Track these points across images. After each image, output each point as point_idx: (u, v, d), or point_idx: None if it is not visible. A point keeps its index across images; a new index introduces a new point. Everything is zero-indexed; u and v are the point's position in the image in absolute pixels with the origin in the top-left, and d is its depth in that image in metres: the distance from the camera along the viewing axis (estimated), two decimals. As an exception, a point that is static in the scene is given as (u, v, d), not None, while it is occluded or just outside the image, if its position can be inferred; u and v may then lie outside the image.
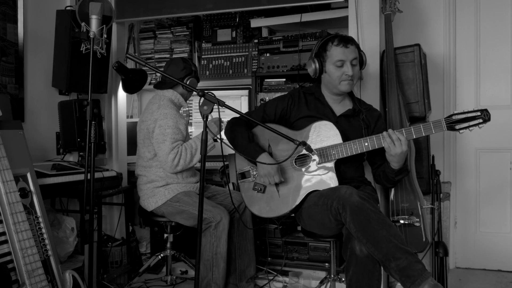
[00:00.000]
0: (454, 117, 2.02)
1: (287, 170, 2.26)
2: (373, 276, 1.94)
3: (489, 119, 1.99)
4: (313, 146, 2.19)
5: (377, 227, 1.87)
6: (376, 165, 2.31)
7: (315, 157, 2.20)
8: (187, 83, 2.68)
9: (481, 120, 1.99)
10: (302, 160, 2.25)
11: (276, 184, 2.25)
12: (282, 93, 2.83)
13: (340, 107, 2.34)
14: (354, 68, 2.24)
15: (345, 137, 2.20)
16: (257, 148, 2.26)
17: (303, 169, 2.23)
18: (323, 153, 2.18)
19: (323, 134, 2.21)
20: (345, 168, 2.27)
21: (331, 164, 2.18)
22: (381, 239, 1.85)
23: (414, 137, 2.05)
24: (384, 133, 2.06)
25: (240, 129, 2.33)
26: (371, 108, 2.41)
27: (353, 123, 2.31)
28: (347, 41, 2.23)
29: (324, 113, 2.31)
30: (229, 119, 2.42)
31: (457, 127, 2.01)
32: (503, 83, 3.18)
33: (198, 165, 2.69)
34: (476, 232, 3.25)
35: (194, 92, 2.12)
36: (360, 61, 2.30)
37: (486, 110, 1.99)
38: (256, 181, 2.29)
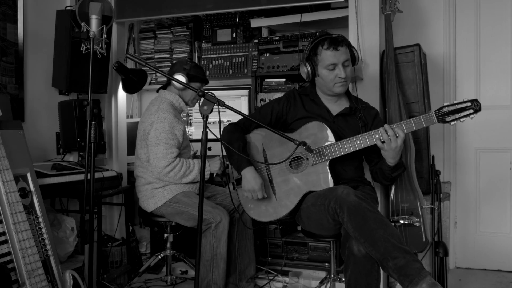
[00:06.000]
0: (444, 109, 2.00)
1: (283, 173, 2.26)
2: (371, 276, 1.94)
3: (479, 109, 1.97)
4: None
5: (374, 226, 1.87)
6: (373, 163, 2.31)
7: (309, 158, 2.20)
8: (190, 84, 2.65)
9: (472, 111, 1.97)
10: (297, 162, 2.25)
11: (273, 188, 2.26)
12: (282, 93, 2.84)
13: (336, 107, 2.33)
14: (347, 69, 2.22)
15: (343, 136, 2.19)
16: (244, 160, 2.24)
17: (299, 171, 2.23)
18: (317, 154, 2.18)
19: (316, 135, 2.21)
20: (344, 168, 2.27)
21: (325, 164, 2.18)
22: (378, 239, 1.85)
23: (406, 131, 2.04)
24: (381, 129, 2.06)
25: (234, 137, 2.31)
26: (368, 106, 2.40)
27: (351, 122, 2.31)
28: (337, 43, 2.19)
29: (320, 113, 2.31)
30: (225, 126, 2.40)
31: (448, 119, 1.99)
32: (503, 83, 3.18)
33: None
34: (476, 232, 3.25)
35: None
36: (353, 59, 2.26)
37: (476, 100, 1.97)
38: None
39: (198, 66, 2.79)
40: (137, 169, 2.77)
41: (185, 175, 2.63)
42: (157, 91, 2.83)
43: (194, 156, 2.89)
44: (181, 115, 2.84)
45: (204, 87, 2.85)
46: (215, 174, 2.75)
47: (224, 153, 2.39)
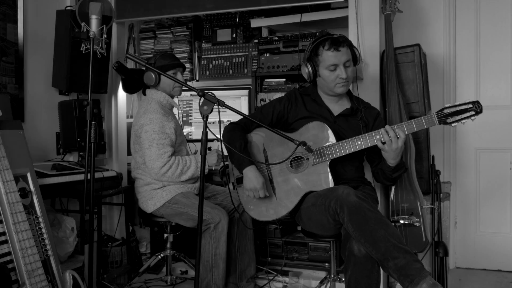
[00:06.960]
0: (445, 111, 2.00)
1: (283, 173, 2.26)
2: (371, 276, 1.94)
3: (481, 111, 1.97)
4: None
5: (374, 226, 1.87)
6: (375, 163, 2.31)
7: (310, 158, 2.20)
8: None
9: (473, 112, 1.97)
10: (298, 162, 2.25)
11: (273, 188, 2.25)
12: (282, 93, 2.84)
13: (338, 107, 2.33)
14: (348, 69, 2.21)
15: (344, 137, 2.19)
16: (245, 159, 2.23)
17: (299, 171, 2.23)
18: (318, 154, 2.18)
19: (317, 135, 2.21)
20: (345, 168, 2.27)
21: (326, 164, 2.18)
22: (378, 239, 1.85)
23: (407, 133, 2.04)
24: (382, 129, 2.06)
25: (235, 136, 2.30)
26: (370, 107, 2.40)
27: (352, 122, 2.31)
28: (338, 44, 2.18)
29: (321, 113, 2.31)
30: (226, 125, 2.39)
31: (449, 120, 2.00)
32: (503, 83, 3.18)
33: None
34: (476, 232, 3.25)
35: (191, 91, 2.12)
36: (354, 59, 2.26)
37: (477, 102, 1.98)
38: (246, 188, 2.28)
39: (164, 55, 2.75)
40: (135, 170, 2.77)
41: (183, 173, 2.62)
42: (144, 93, 2.83)
43: None
44: (173, 111, 2.83)
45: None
46: (213, 168, 2.74)
47: (225, 151, 2.39)
